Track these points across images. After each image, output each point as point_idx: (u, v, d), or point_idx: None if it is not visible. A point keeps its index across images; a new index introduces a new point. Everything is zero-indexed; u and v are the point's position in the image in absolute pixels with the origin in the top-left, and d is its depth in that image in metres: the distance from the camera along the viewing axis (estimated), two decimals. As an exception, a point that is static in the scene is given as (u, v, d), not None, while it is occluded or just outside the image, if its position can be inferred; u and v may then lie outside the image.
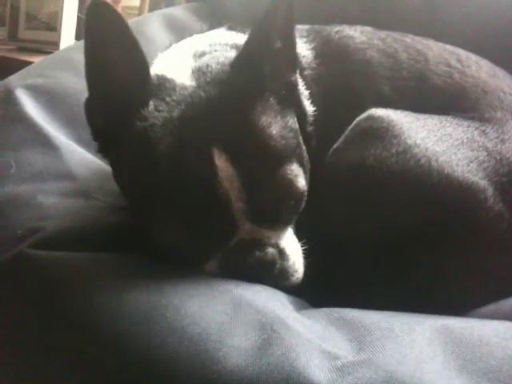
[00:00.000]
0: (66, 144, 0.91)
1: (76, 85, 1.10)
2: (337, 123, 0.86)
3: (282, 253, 0.72)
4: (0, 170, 0.84)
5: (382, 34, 0.98)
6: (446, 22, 1.25)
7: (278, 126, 0.72)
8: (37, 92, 1.07)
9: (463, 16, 1.25)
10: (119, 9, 2.69)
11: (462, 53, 0.95)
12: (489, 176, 0.75)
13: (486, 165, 0.76)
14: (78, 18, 2.24)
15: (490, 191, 0.74)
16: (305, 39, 0.95)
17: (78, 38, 2.27)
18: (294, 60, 0.80)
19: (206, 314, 0.58)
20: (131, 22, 1.60)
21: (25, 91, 1.07)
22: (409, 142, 0.76)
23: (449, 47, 0.96)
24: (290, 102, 0.78)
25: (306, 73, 0.90)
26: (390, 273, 0.75)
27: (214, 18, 1.55)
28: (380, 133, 0.78)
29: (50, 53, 2.15)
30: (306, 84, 0.88)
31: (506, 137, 0.79)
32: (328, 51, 0.94)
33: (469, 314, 0.72)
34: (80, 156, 0.89)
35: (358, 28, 0.98)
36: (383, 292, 0.72)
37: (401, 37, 0.97)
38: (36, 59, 2.08)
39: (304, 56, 0.92)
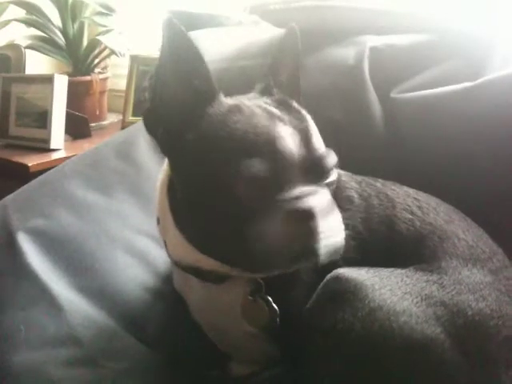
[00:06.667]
0: (70, 302, 0.96)
1: (74, 226, 1.18)
2: None
3: None
4: (11, 336, 0.90)
5: (358, 177, 1.07)
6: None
7: None
8: (38, 237, 1.13)
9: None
10: (106, 92, 2.81)
11: (423, 198, 1.04)
12: (446, 329, 0.82)
13: (443, 319, 0.83)
14: (67, 114, 2.34)
15: (447, 344, 0.81)
16: None
17: (67, 132, 2.36)
18: None
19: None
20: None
21: (26, 236, 1.12)
22: (372, 305, 0.83)
23: (411, 192, 1.05)
24: None
25: None
26: None
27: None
28: (347, 296, 0.85)
29: (39, 149, 2.24)
30: None
31: (462, 287, 0.87)
32: None
33: None
34: (84, 314, 0.95)
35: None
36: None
37: (373, 182, 1.06)
38: (26, 157, 2.15)
39: None
